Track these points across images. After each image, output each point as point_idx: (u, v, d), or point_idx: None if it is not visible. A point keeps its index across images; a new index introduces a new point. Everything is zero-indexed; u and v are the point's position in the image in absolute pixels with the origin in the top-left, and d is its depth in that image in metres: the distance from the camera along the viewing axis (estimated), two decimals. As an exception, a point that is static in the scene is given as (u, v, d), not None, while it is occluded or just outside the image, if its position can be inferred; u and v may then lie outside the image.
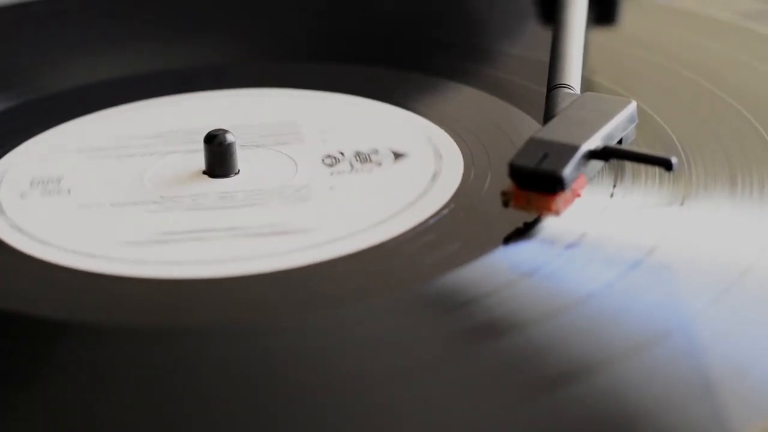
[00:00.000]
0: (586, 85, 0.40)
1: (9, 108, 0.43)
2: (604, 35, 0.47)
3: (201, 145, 0.38)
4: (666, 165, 0.33)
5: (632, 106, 0.35)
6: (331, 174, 0.37)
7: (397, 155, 0.36)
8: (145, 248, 0.34)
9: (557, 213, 0.32)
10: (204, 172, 0.38)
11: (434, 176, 0.37)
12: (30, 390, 0.29)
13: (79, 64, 0.46)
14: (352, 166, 0.37)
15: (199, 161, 0.38)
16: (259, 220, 0.35)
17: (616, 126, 0.34)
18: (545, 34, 0.42)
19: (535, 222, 0.33)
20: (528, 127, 0.39)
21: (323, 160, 0.38)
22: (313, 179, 0.37)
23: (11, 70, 0.46)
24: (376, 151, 0.37)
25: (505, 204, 0.33)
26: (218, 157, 0.37)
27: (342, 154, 0.38)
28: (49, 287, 0.33)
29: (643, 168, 0.36)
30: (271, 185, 0.37)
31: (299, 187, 0.37)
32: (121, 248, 0.34)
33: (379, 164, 0.37)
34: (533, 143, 0.33)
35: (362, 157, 0.37)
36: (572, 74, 0.38)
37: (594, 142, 0.33)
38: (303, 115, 0.41)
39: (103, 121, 0.42)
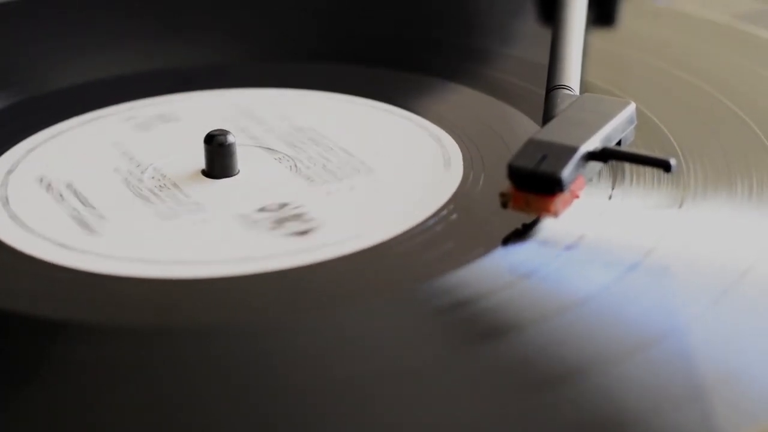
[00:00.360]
0: (586, 86, 0.40)
1: (6, 106, 0.43)
2: (603, 37, 0.47)
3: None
4: (665, 166, 0.33)
5: (631, 107, 0.35)
6: (241, 215, 0.35)
7: (303, 233, 0.34)
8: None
9: (556, 214, 0.33)
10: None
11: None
12: (30, 390, 0.29)
13: (78, 62, 0.46)
14: (262, 220, 0.35)
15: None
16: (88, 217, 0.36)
17: (615, 127, 0.34)
18: (545, 35, 0.42)
19: (534, 223, 0.34)
20: (527, 128, 0.39)
21: (263, 208, 0.36)
22: (217, 213, 0.36)
23: (9, 68, 0.46)
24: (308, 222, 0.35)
25: (504, 205, 0.33)
26: (214, 156, 0.37)
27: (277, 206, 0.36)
28: (49, 287, 0.33)
29: (642, 170, 0.36)
30: (203, 198, 0.36)
31: (193, 213, 0.36)
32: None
33: (270, 228, 0.35)
34: (532, 144, 0.33)
35: (281, 219, 0.35)
36: (571, 75, 0.38)
37: (593, 144, 0.33)
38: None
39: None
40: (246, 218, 0.35)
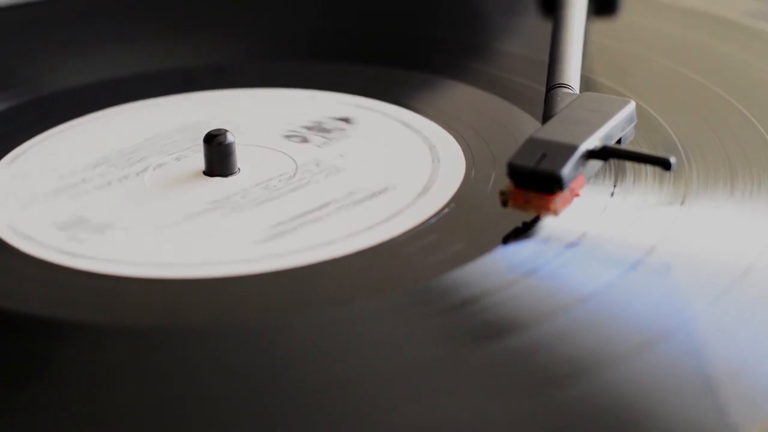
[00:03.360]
0: (586, 83, 0.40)
1: (7, 108, 0.43)
2: (604, 33, 0.47)
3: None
4: (664, 165, 0.33)
5: (631, 105, 0.35)
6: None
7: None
8: None
9: (555, 213, 0.32)
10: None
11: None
12: (30, 390, 0.29)
13: (78, 63, 0.47)
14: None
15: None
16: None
17: (614, 126, 0.34)
18: (546, 32, 0.42)
19: (535, 222, 0.33)
20: (528, 126, 0.39)
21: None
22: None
23: (10, 70, 0.46)
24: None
25: (504, 203, 0.33)
26: (214, 156, 0.37)
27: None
28: (48, 287, 0.33)
29: (643, 167, 0.36)
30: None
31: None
32: None
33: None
34: (532, 143, 0.33)
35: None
36: (571, 74, 0.38)
37: (593, 142, 0.33)
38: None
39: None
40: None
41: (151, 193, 0.37)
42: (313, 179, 0.37)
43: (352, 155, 0.38)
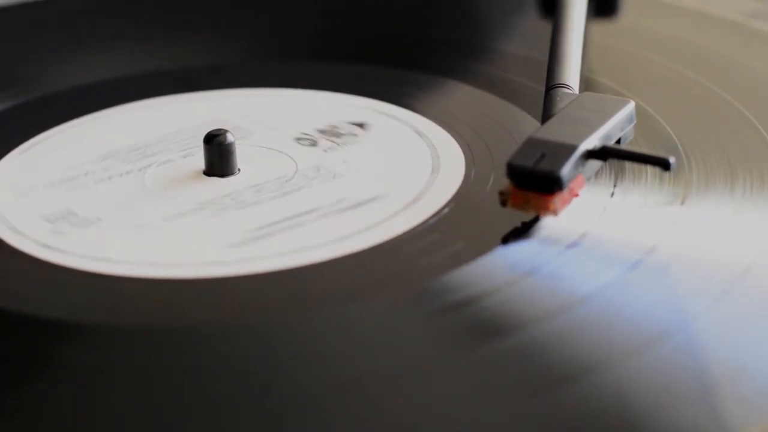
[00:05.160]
0: (586, 83, 0.40)
1: (6, 108, 0.43)
2: (604, 33, 0.47)
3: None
4: (664, 165, 0.33)
5: (630, 105, 0.35)
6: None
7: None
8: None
9: (555, 213, 0.32)
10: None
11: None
12: (30, 390, 0.29)
13: (77, 63, 0.47)
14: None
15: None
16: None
17: (614, 126, 0.34)
18: (546, 32, 0.42)
19: (534, 222, 0.33)
20: (528, 126, 0.39)
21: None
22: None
23: (9, 70, 0.46)
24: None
25: (503, 203, 0.33)
26: (213, 156, 0.37)
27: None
28: (49, 287, 0.33)
29: (643, 167, 0.36)
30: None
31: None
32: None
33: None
34: (531, 143, 0.33)
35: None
36: (571, 74, 0.38)
37: (592, 142, 0.33)
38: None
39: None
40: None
41: (147, 191, 0.37)
42: (307, 184, 0.37)
43: (354, 162, 0.38)
